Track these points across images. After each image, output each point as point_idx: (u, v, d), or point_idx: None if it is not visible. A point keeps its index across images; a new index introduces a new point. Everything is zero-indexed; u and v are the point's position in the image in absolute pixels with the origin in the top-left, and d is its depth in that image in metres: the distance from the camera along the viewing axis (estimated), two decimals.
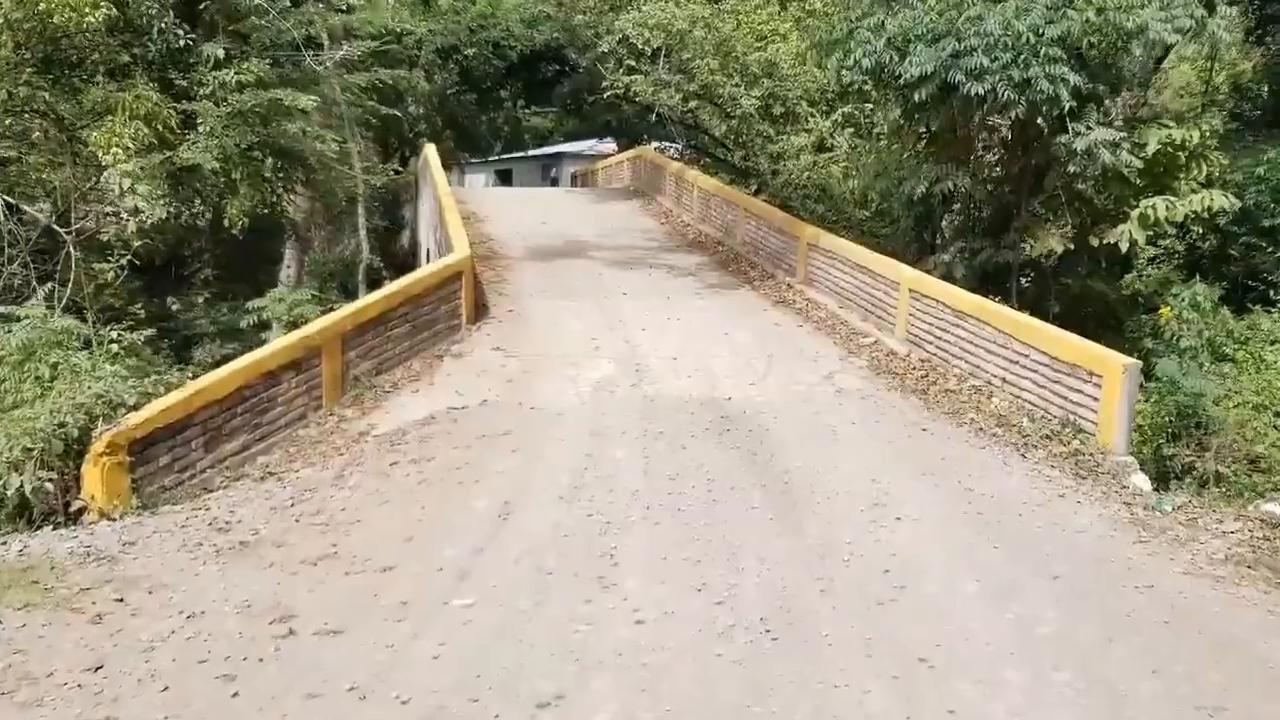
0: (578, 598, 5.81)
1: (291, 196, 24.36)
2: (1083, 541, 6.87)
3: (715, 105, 27.42)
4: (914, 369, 11.19)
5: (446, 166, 55.18)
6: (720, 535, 6.73)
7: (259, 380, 9.10)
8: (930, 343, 11.37)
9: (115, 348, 8.92)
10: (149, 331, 9.99)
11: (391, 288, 11.07)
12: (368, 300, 10.74)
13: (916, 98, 12.11)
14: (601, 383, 10.57)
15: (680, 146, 32.96)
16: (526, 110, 53.42)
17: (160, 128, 12.04)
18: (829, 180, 22.76)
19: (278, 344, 9.46)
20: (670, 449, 8.57)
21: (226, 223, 13.23)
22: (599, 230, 19.02)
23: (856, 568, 6.30)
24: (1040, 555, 6.60)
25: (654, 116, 27.45)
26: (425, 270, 11.65)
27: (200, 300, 14.07)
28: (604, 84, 26.24)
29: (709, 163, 32.81)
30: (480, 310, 13.14)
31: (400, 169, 36.52)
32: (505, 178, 53.04)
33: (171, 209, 11.73)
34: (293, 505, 7.52)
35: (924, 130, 13.26)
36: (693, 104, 27.57)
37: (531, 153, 53.16)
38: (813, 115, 24.98)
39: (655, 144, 30.17)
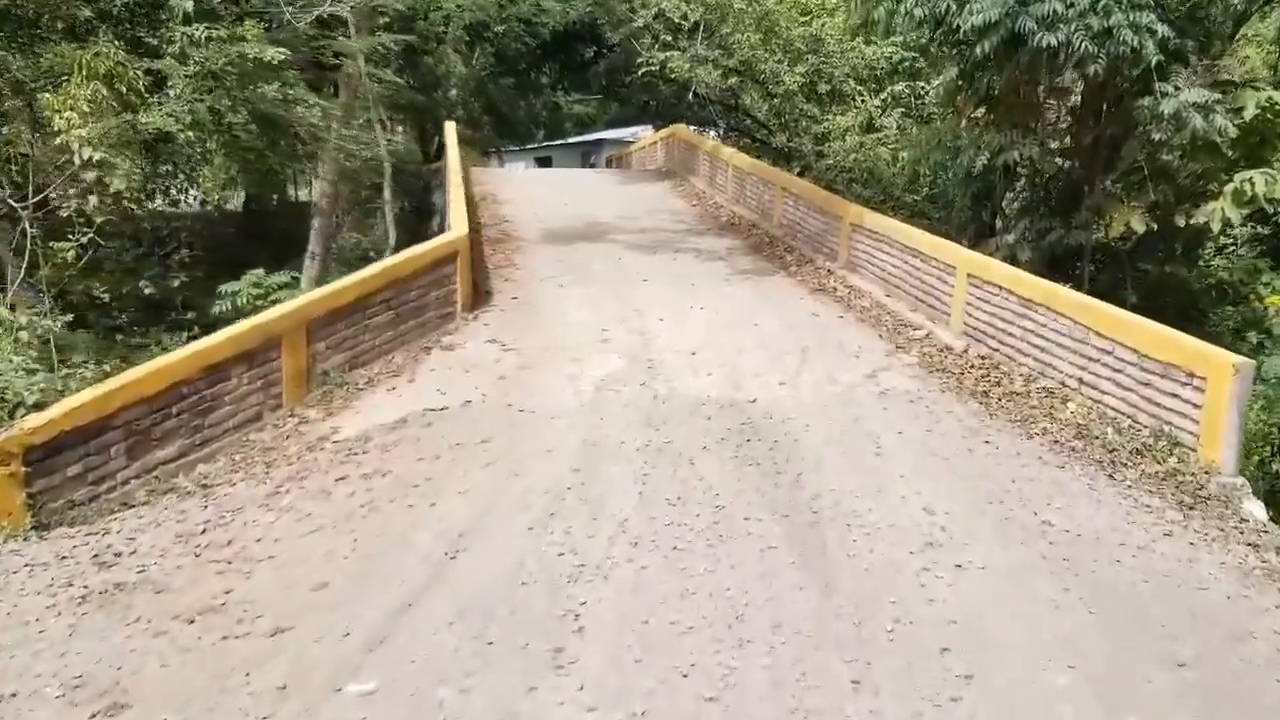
0: (518, 684, 4.32)
1: (311, 178, 23.07)
2: (1208, 606, 5.24)
3: (756, 83, 25.91)
4: (972, 367, 9.56)
5: (484, 155, 54.05)
6: (723, 588, 5.21)
7: (199, 375, 7.72)
8: (991, 337, 9.73)
9: (25, 335, 7.57)
10: (67, 318, 8.62)
11: (370, 270, 9.65)
12: (340, 284, 9.32)
13: (978, 53, 10.47)
14: (607, 381, 9.08)
15: (720, 128, 31.41)
16: (568, 97, 52.10)
17: (124, 89, 10.70)
18: (877, 163, 21.11)
19: (224, 334, 8.07)
20: (675, 465, 7.05)
21: (200, 195, 11.86)
22: (624, 212, 17.50)
23: (904, 644, 4.74)
24: (1154, 628, 4.99)
25: (690, 95, 25.93)
26: (413, 251, 10.22)
27: (175, 284, 12.74)
28: (638, 61, 24.90)
29: (750, 145, 31.24)
30: (481, 297, 11.70)
31: (429, 156, 35.35)
32: (545, 165, 51.80)
33: (135, 180, 10.37)
34: (203, 532, 6.11)
35: (985, 93, 11.58)
36: (732, 81, 26.02)
37: (572, 140, 51.79)
38: (860, 94, 23.28)
39: (695, 128, 28.65)
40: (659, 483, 6.76)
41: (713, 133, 29.93)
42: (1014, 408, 8.48)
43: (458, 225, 11.31)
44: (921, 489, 6.73)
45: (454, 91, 47.77)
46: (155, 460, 7.40)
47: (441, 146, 52.06)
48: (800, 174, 22.43)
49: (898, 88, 22.67)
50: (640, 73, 25.57)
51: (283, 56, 11.29)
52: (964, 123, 11.71)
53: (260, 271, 11.35)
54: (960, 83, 11.69)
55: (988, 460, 7.34)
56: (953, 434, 7.88)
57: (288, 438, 7.95)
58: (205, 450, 7.75)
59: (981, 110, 11.97)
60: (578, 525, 6.05)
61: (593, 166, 45.28)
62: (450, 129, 20.86)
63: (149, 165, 11.30)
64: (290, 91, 12.06)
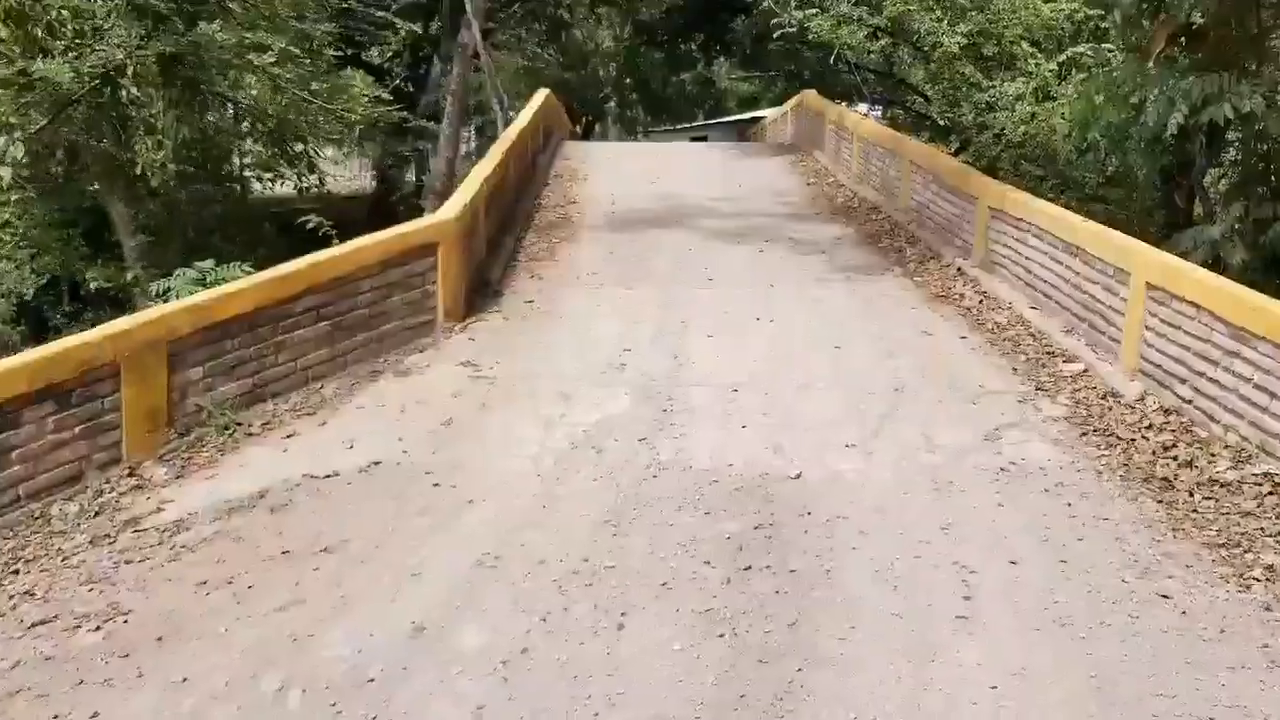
0: None
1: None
2: None
3: (910, 45, 22.60)
4: (1150, 429, 6.28)
5: (631, 134, 51.62)
6: None
7: None
8: (1183, 381, 6.40)
9: None
10: None
11: (286, 268, 7.07)
12: (229, 289, 6.77)
13: None
14: (591, 434, 6.27)
15: (869, 100, 27.93)
16: (729, 74, 49.24)
17: (40, 34, 8.48)
18: (1051, 137, 17.63)
19: (14, 361, 5.63)
20: (593, 625, 4.18)
21: (142, 171, 9.60)
22: (721, 192, 14.52)
23: None
24: None
25: (832, 60, 22.68)
26: (361, 242, 7.61)
27: (131, 276, 10.57)
28: (773, 22, 22.25)
29: (903, 118, 27.67)
30: (484, 300, 9.04)
31: (576, 138, 33.14)
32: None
33: (41, 145, 8.14)
34: None
35: (1185, 19, 8.09)
36: (882, 43, 22.65)
37: (728, 119, 48.75)
38: (1034, 57, 19.75)
39: (857, 104, 25.35)
40: (566, 663, 3.91)
41: (864, 107, 26.54)
42: (1215, 513, 5.20)
43: (447, 208, 8.62)
44: (1069, 703, 3.65)
45: (602, 69, 45.43)
46: None
47: (590, 126, 50.16)
48: (959, 151, 19.05)
49: (1079, 49, 19.11)
50: (776, 35, 22.97)
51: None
52: (1151, 64, 8.26)
53: (210, 263, 8.95)
54: (1145, 4, 8.25)
55: (1186, 640, 4.14)
56: (1107, 567, 4.69)
57: (94, 516, 5.46)
58: None
59: (1177, 46, 8.45)
60: None
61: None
62: (540, 95, 18.24)
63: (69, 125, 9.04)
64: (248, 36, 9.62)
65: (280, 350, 6.90)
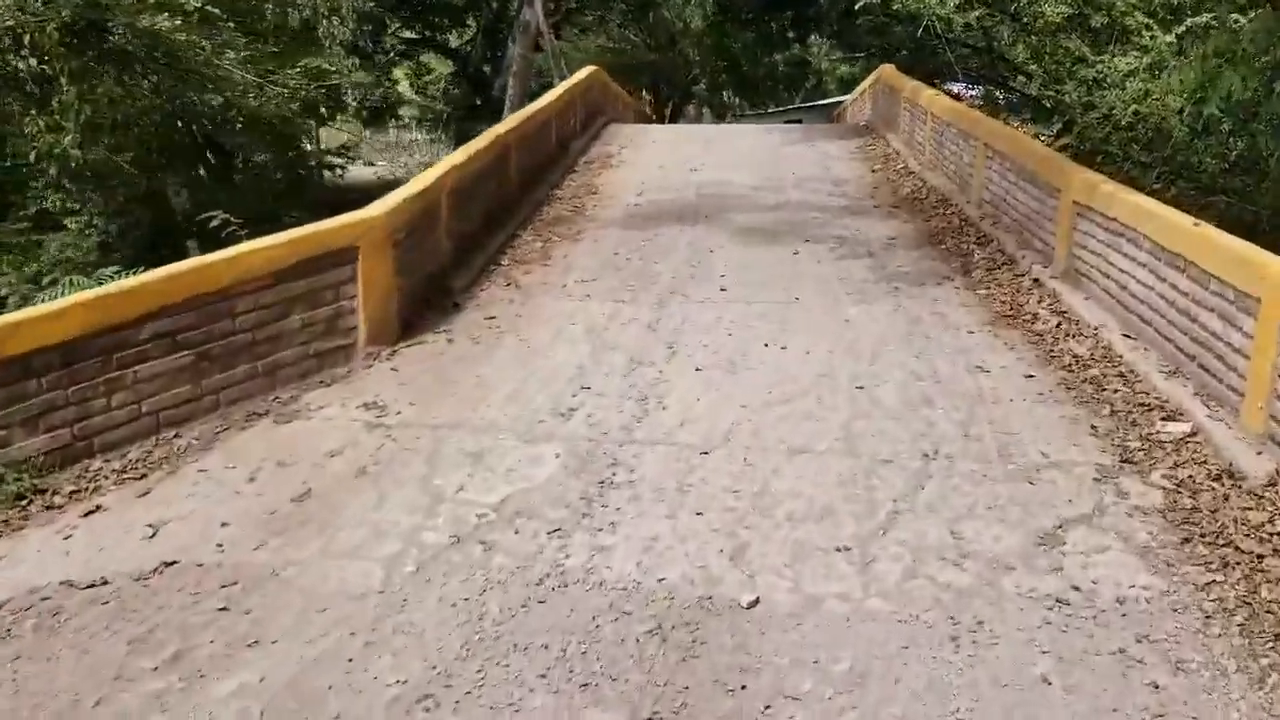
0: None
1: None
2: None
3: (1008, 16, 20.36)
4: None
5: (719, 117, 49.65)
6: None
7: None
8: None
9: None
10: None
11: (127, 282, 5.50)
12: (40, 310, 5.21)
13: None
14: (489, 521, 4.58)
15: (960, 78, 25.57)
16: (830, 57, 47.16)
17: None
18: (1167, 118, 15.34)
19: None
20: None
21: (34, 156, 8.18)
22: (769, 180, 12.63)
23: None
24: None
25: (920, 33, 20.52)
26: (244, 247, 6.00)
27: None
28: None
29: (1002, 98, 25.28)
30: (433, 316, 7.40)
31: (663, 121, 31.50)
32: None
33: None
34: None
35: None
36: (977, 14, 20.40)
37: (823, 101, 46.47)
38: (1149, 29, 17.42)
39: (956, 84, 23.09)
40: None
41: (958, 86, 24.21)
42: None
43: (376, 204, 6.95)
44: None
45: (691, 50, 43.49)
46: None
47: (677, 110, 48.32)
48: (1060, 134, 16.87)
49: (1200, 19, 16.77)
50: (859, 5, 21.05)
51: None
52: None
53: (110, 270, 7.47)
54: None
55: None
56: None
57: None
58: None
59: None
60: None
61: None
62: (582, 73, 16.53)
63: None
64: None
65: (116, 390, 5.34)
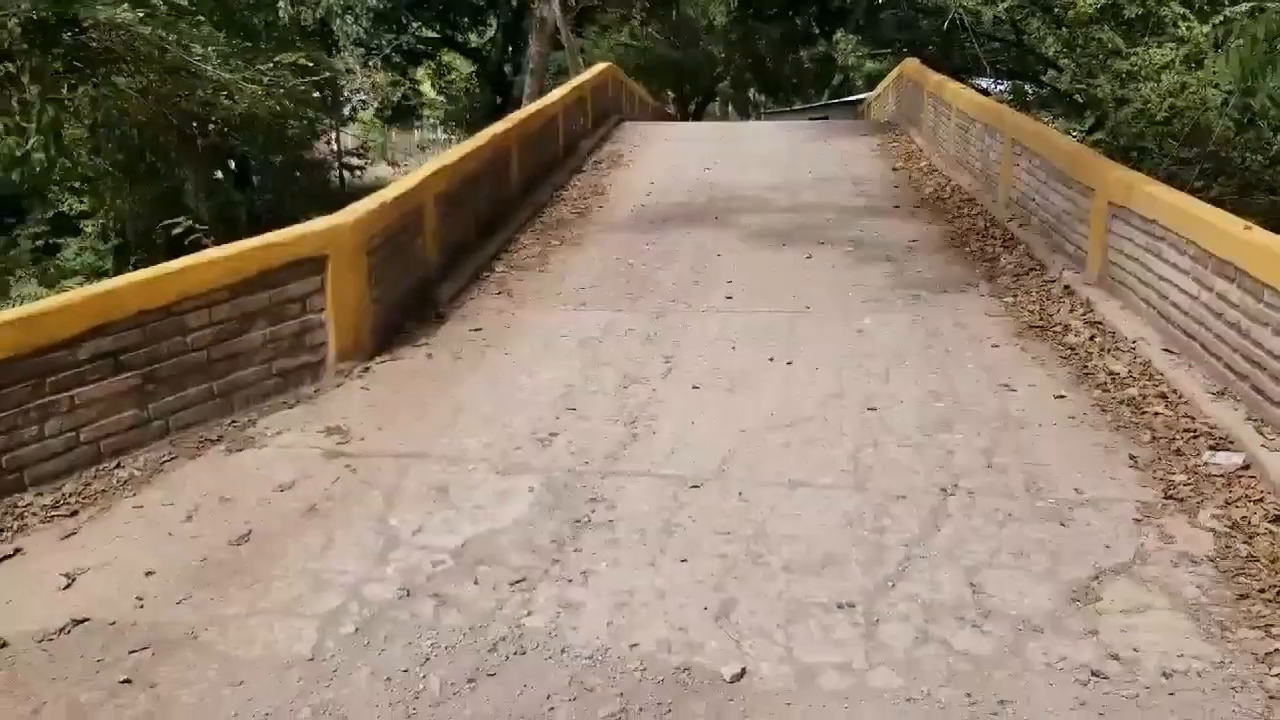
0: None
1: None
2: None
3: (1038, 6, 19.76)
4: None
5: (744, 115, 49.04)
6: None
7: None
8: None
9: None
10: None
11: (62, 297, 5.03)
12: None
13: None
14: (446, 570, 4.09)
15: (992, 74, 24.87)
16: (856, 53, 46.48)
17: None
18: (1204, 112, 14.68)
19: None
20: None
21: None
22: (785, 179, 12.06)
23: None
24: None
25: (945, 25, 19.89)
26: (199, 258, 5.51)
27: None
28: None
29: (1032, 93, 24.62)
30: (414, 329, 6.89)
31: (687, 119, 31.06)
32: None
33: None
34: None
35: None
36: (1006, 4, 19.76)
37: (851, 98, 45.77)
38: (1185, 19, 16.73)
39: (981, 80, 22.45)
40: None
41: (986, 82, 23.52)
42: None
43: (347, 209, 6.44)
44: None
45: (715, 47, 42.88)
46: None
47: (700, 108, 47.64)
48: (1092, 130, 16.24)
49: (1239, 8, 16.08)
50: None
51: None
52: None
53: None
54: None
55: None
56: None
57: None
58: None
59: None
60: None
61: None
62: (594, 69, 16.01)
63: None
64: None
65: (50, 416, 4.86)
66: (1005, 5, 19.03)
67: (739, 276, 8.11)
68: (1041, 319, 6.92)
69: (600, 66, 16.57)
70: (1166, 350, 5.91)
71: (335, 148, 21.68)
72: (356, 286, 6.21)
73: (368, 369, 6.23)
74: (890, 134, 15.36)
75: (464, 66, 41.42)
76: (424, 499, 4.64)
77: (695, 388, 5.88)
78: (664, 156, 13.71)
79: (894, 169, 12.64)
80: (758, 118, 47.46)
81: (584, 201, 10.99)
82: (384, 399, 5.83)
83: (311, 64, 10.22)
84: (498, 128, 9.97)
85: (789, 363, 6.23)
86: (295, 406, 5.75)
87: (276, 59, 9.52)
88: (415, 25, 35.10)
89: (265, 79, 8.95)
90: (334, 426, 5.46)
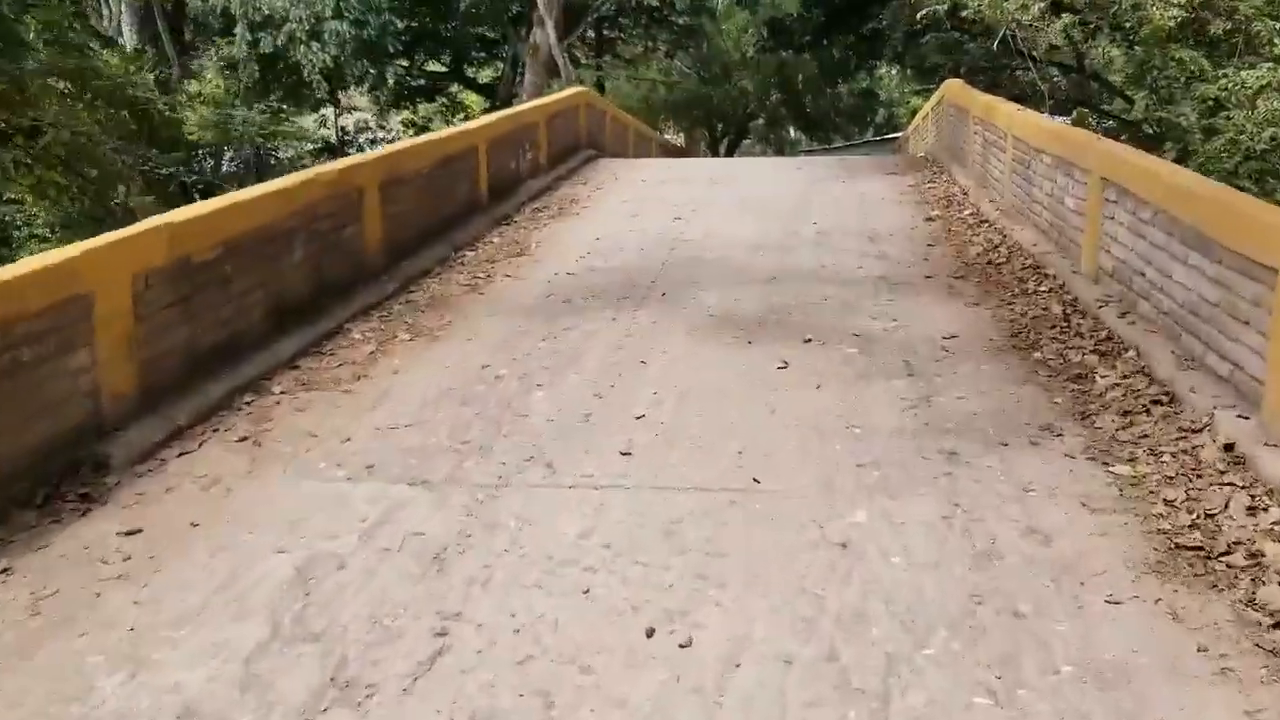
0: None
1: None
2: None
3: (1106, 25, 16.68)
4: None
5: (779, 152, 46.17)
6: None
7: None
8: None
9: None
10: None
11: None
12: None
13: None
14: None
15: (1048, 99, 21.74)
16: (901, 90, 43.78)
17: None
18: None
19: None
20: None
21: None
22: (778, 234, 8.85)
23: None
24: None
25: (995, 45, 16.84)
26: None
27: None
28: (920, 11, 17.43)
29: (1097, 124, 21.42)
30: (20, 518, 3.69)
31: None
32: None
33: None
34: None
35: None
36: (1064, 22, 16.61)
37: (891, 135, 42.92)
38: None
39: (1051, 111, 19.55)
40: None
41: (1046, 115, 20.47)
42: None
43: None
44: None
45: (748, 81, 39.95)
46: None
47: (732, 147, 44.85)
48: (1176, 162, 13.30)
49: None
50: (920, 16, 18.09)
51: None
52: None
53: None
54: None
55: None
56: None
57: None
58: None
59: None
60: None
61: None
62: (557, 95, 12.96)
63: None
64: None
65: None
66: (1064, 22, 16.01)
67: (661, 407, 4.87)
68: (1193, 516, 3.61)
69: (569, 91, 13.52)
70: None
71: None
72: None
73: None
74: (927, 171, 12.12)
75: (478, 102, 38.97)
76: None
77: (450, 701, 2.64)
78: (630, 202, 10.54)
79: (927, 220, 9.35)
80: (790, 154, 44.60)
81: (489, 266, 7.84)
82: None
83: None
84: (341, 164, 6.83)
85: (682, 645, 2.97)
86: None
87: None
88: (422, 60, 32.70)
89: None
90: None
